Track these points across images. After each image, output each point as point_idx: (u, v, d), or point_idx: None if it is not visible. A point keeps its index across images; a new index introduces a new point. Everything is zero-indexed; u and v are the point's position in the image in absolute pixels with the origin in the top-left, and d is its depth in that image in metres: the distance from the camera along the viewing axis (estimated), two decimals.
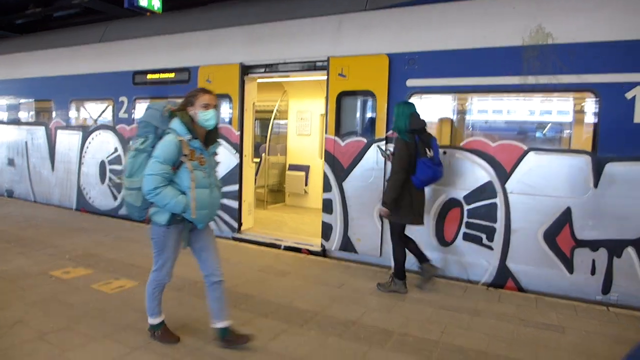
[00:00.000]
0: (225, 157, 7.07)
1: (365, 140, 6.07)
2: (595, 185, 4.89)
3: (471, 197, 5.47)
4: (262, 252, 6.49)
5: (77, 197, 9.32)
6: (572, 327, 4.23)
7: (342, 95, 6.27)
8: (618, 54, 4.79)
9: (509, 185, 5.27)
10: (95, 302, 4.39)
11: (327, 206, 6.40)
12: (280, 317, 4.19)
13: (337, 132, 6.31)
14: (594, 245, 4.95)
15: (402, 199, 4.82)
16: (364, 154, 6.08)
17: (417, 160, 4.79)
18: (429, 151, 4.86)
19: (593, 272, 4.97)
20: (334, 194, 6.32)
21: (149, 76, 8.10)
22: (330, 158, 6.35)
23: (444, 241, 5.66)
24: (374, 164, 6.01)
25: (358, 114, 6.45)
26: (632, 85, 4.70)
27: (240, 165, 7.13)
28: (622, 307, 4.80)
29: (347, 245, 6.27)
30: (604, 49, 4.83)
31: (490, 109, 5.90)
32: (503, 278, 5.37)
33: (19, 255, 5.84)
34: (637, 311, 4.71)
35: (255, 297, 4.66)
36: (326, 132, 6.37)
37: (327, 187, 6.39)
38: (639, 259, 4.77)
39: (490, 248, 5.41)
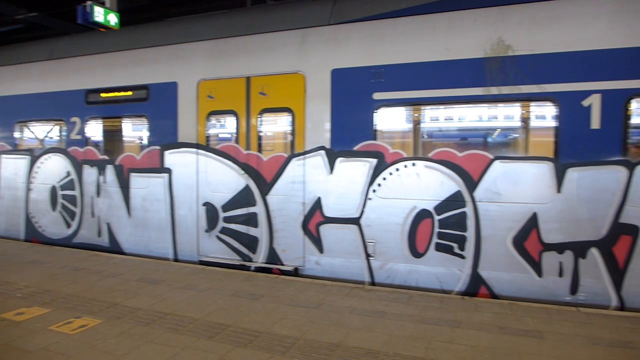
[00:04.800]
0: None
1: (285, 155, 6.25)
2: (559, 190, 5.06)
3: (441, 207, 5.52)
4: (231, 275, 6.27)
5: (25, 226, 8.70)
6: (548, 331, 4.31)
7: (262, 112, 6.51)
8: (574, 64, 5.00)
9: (477, 194, 5.36)
10: (57, 346, 4.04)
11: (253, 219, 6.52)
12: (260, 346, 4.02)
13: (260, 147, 6.47)
14: (560, 248, 5.11)
15: None
16: (285, 168, 6.27)
17: None
18: None
19: (561, 274, 5.13)
20: (259, 208, 6.42)
21: (103, 95, 7.71)
22: (254, 173, 6.48)
23: (416, 252, 5.68)
24: (295, 177, 6.16)
25: (277, 130, 6.76)
26: (588, 94, 4.92)
27: None
28: (590, 306, 4.97)
29: (273, 257, 6.44)
30: (562, 59, 5.04)
31: (457, 120, 6.04)
32: (476, 286, 5.45)
33: None
34: (605, 309, 4.89)
35: (231, 326, 4.45)
36: (249, 148, 6.51)
37: (251, 202, 6.49)
38: (603, 258, 4.97)
39: (462, 257, 5.48)
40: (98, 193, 7.79)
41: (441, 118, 6.10)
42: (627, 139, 4.88)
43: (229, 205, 6.72)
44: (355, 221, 5.91)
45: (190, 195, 6.96)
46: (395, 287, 5.73)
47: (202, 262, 6.89)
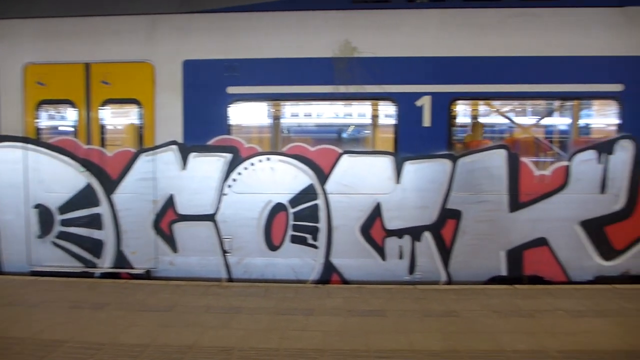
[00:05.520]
0: None
1: (133, 150, 5.86)
2: (398, 181, 5.60)
3: (295, 200, 5.70)
4: (71, 284, 5.61)
5: None
6: (390, 309, 4.76)
7: (105, 103, 5.96)
8: (410, 67, 5.57)
9: (328, 186, 5.66)
10: None
11: (96, 221, 5.97)
12: None
13: (103, 142, 5.97)
14: (400, 233, 5.69)
15: None
16: (133, 164, 5.86)
17: None
18: None
19: (401, 257, 5.70)
20: (104, 208, 5.93)
21: None
22: (96, 170, 5.94)
23: (272, 246, 5.77)
24: (144, 173, 5.82)
25: (124, 123, 6.31)
26: (420, 95, 5.53)
27: None
28: (425, 283, 5.63)
29: (121, 260, 5.98)
30: (399, 63, 5.57)
31: (309, 116, 6.28)
32: (329, 273, 5.76)
33: None
34: (436, 285, 5.59)
35: (68, 342, 3.99)
36: (90, 142, 5.96)
37: (94, 201, 5.97)
38: (434, 241, 5.66)
39: (316, 247, 5.74)
40: None
41: (294, 114, 6.30)
42: (451, 136, 5.63)
43: (67, 207, 5.99)
44: (211, 217, 5.77)
45: (17, 197, 6.02)
46: (252, 281, 5.75)
47: (34, 273, 6.04)
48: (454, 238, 5.65)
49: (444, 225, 5.64)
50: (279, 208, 5.72)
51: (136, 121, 5.91)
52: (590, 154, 5.56)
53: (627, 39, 5.53)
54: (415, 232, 5.66)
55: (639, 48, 5.51)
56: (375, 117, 6.07)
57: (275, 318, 4.52)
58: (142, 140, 5.85)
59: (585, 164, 5.56)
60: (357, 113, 6.78)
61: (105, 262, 6.00)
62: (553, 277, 5.69)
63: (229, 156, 5.71)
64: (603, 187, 5.56)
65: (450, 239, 5.66)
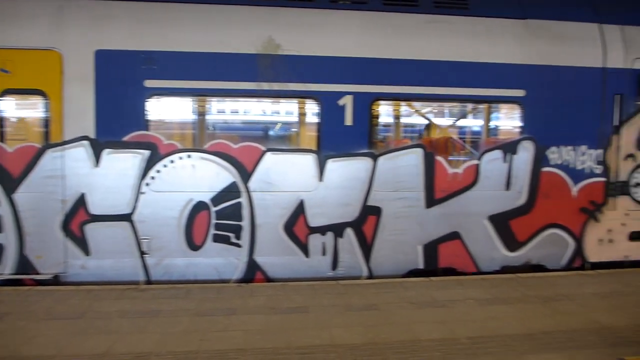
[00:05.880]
0: None
1: (38, 146, 5.41)
2: (321, 179, 5.68)
3: (218, 198, 5.57)
4: None
5: None
6: (313, 305, 4.82)
7: (4, 93, 5.42)
8: (332, 67, 5.66)
9: (251, 184, 5.59)
10: None
11: None
12: None
13: (2, 136, 5.46)
14: (323, 230, 5.77)
15: None
16: (38, 161, 5.40)
17: None
18: None
19: (324, 253, 5.79)
20: (3, 209, 5.42)
21: None
22: None
23: (194, 245, 5.60)
24: (51, 171, 5.40)
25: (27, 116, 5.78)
26: (342, 94, 5.64)
27: None
28: (347, 278, 5.77)
29: (24, 265, 5.50)
30: (323, 62, 5.63)
31: (232, 112, 6.17)
32: (252, 272, 5.71)
33: None
34: (358, 279, 5.75)
35: None
36: None
37: None
38: (356, 237, 5.81)
39: (239, 245, 5.66)
40: None
41: (221, 110, 6.15)
42: (372, 135, 5.80)
43: None
44: (127, 217, 5.47)
45: None
46: (173, 283, 5.54)
47: None
48: (374, 234, 5.84)
49: (365, 221, 5.81)
50: (200, 207, 5.56)
51: (41, 114, 5.44)
52: (497, 154, 6.01)
53: (528, 48, 6.03)
54: (337, 229, 5.78)
55: (539, 57, 6.03)
56: (299, 115, 6.10)
57: (195, 320, 4.40)
58: (49, 135, 5.40)
59: (492, 163, 6.00)
60: (284, 111, 6.77)
61: (6, 269, 5.47)
62: (465, 268, 6.08)
63: (146, 153, 5.44)
64: (508, 185, 6.03)
65: (371, 235, 5.84)
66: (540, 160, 6.06)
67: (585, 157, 6.18)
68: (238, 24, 5.64)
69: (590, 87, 6.16)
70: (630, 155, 6.32)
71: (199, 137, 5.88)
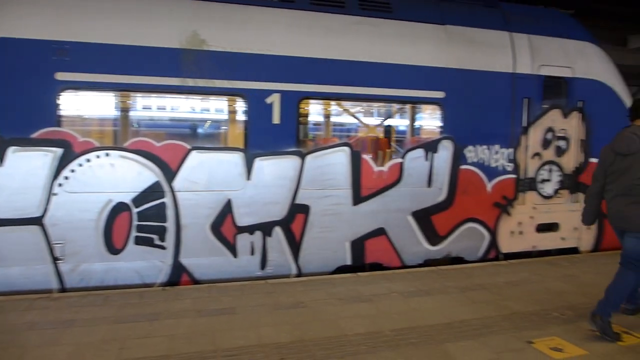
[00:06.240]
0: None
1: None
2: (249, 177, 5.62)
3: (140, 199, 5.32)
4: None
5: None
6: (240, 306, 4.76)
7: None
8: (260, 64, 5.60)
9: (176, 184, 5.40)
10: None
11: None
12: None
13: None
14: (251, 229, 5.71)
15: None
16: None
17: None
18: None
19: (252, 253, 5.73)
20: None
21: None
22: None
23: (114, 249, 5.31)
24: None
25: None
26: (270, 92, 5.60)
27: None
28: (276, 277, 5.75)
29: None
30: (250, 59, 5.56)
31: (155, 109, 5.92)
32: (178, 274, 5.52)
33: None
34: (287, 278, 5.76)
35: None
36: None
37: None
38: (285, 235, 5.81)
39: (163, 247, 5.44)
40: None
41: (139, 106, 5.88)
42: (299, 133, 5.83)
43: None
44: (37, 221, 5.05)
45: None
46: (91, 289, 5.22)
47: None
48: (303, 232, 5.87)
49: (294, 220, 5.83)
50: (120, 208, 5.27)
51: None
52: (420, 152, 6.28)
53: (447, 53, 6.36)
54: (266, 228, 5.74)
55: (457, 61, 6.39)
56: (227, 112, 5.98)
57: (114, 327, 4.17)
58: None
59: (415, 161, 6.26)
60: (214, 108, 6.63)
61: None
62: (390, 263, 6.30)
63: (59, 151, 5.06)
64: (430, 182, 6.33)
65: (300, 233, 5.87)
66: (458, 158, 6.42)
67: (498, 156, 6.64)
68: (161, 16, 5.41)
69: (502, 91, 6.62)
70: (537, 154, 6.88)
71: (120, 135, 5.58)
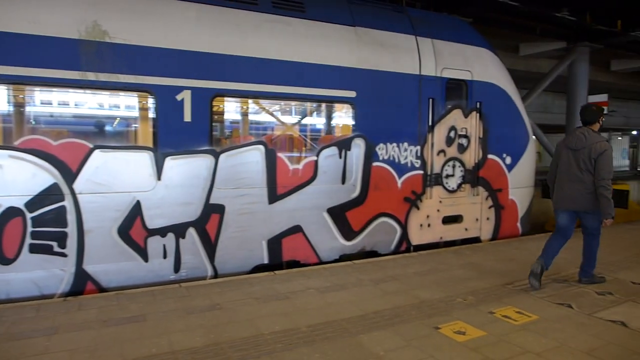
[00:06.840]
0: None
1: None
2: (159, 178, 5.38)
3: (35, 203, 4.86)
4: None
5: None
6: (151, 312, 4.54)
7: None
8: (169, 60, 5.37)
9: (77, 185, 5.02)
10: None
11: None
12: None
13: None
14: (163, 231, 5.47)
15: None
16: None
17: None
18: None
19: (165, 256, 5.50)
20: None
21: None
22: None
23: (5, 259, 4.81)
24: None
25: None
26: (180, 89, 5.40)
27: None
28: (191, 280, 5.59)
29: None
30: (158, 54, 5.31)
31: (52, 104, 5.45)
32: (82, 283, 5.14)
33: None
34: (203, 280, 5.61)
35: None
36: None
37: None
38: (199, 236, 5.65)
39: (64, 255, 5.04)
40: None
41: (46, 102, 5.37)
42: (213, 132, 5.69)
43: None
44: None
45: None
46: None
47: None
48: (218, 232, 5.75)
49: (209, 220, 5.68)
50: (11, 213, 4.78)
51: None
52: (333, 150, 6.43)
53: (358, 54, 6.57)
54: (179, 230, 5.54)
55: (366, 62, 6.62)
56: (135, 109, 5.66)
57: (5, 346, 3.78)
58: None
59: (329, 158, 6.40)
60: (124, 105, 6.22)
61: None
62: (307, 259, 6.38)
63: None
64: (344, 179, 6.50)
65: (215, 234, 5.74)
66: (370, 156, 6.67)
67: (407, 153, 7.00)
68: (57, 3, 4.98)
69: (410, 92, 6.98)
70: (442, 151, 7.36)
71: (11, 132, 5.06)
